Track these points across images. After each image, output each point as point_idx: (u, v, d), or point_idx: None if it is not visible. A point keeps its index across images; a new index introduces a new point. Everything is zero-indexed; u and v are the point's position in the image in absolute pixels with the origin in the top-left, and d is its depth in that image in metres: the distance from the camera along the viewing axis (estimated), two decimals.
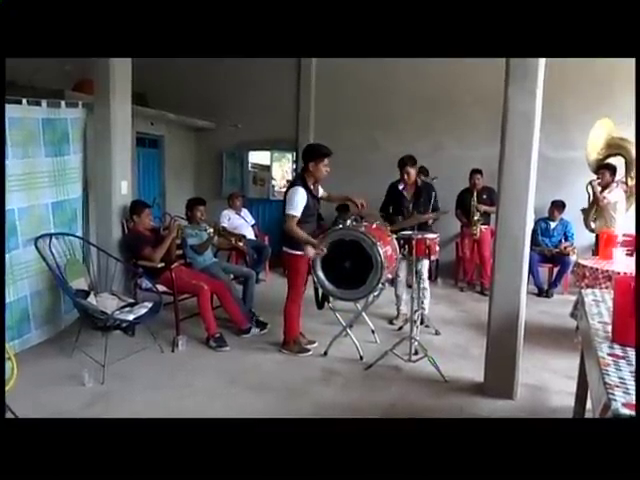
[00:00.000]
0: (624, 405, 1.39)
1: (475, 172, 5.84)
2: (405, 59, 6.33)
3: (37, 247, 3.64)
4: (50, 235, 3.80)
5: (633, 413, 1.35)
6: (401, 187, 4.55)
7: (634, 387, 1.51)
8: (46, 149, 3.87)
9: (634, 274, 3.51)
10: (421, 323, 4.30)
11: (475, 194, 5.77)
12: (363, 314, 4.17)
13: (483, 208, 5.77)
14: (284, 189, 7.08)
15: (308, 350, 3.88)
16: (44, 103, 3.87)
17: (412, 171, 4.46)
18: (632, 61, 5.93)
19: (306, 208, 3.62)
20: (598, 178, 5.24)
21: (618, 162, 5.39)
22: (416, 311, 3.80)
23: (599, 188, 5.18)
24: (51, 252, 3.72)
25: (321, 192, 3.90)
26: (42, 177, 3.85)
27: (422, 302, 4.45)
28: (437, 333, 4.38)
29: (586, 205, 5.49)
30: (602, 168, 5.28)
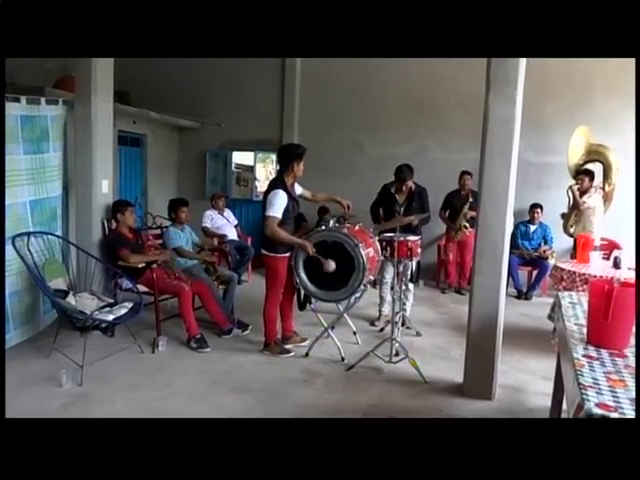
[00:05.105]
0: (597, 405, 1.42)
1: (465, 173, 5.91)
2: (389, 62, 6.39)
3: (14, 246, 3.57)
4: (28, 234, 3.74)
5: (606, 413, 1.38)
6: (394, 190, 4.59)
7: (607, 387, 1.55)
8: (25, 146, 3.80)
9: (609, 277, 3.59)
10: (402, 324, 4.33)
11: (468, 201, 5.71)
12: (345, 315, 4.18)
13: (470, 214, 5.70)
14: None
15: (289, 351, 3.88)
16: (23, 99, 3.80)
17: (410, 183, 4.51)
18: (610, 68, 6.10)
19: (285, 210, 3.64)
20: (577, 183, 5.36)
21: (596, 168, 5.49)
22: (397, 313, 3.83)
23: (578, 193, 5.30)
24: (29, 251, 3.66)
25: (300, 191, 3.91)
26: (20, 175, 3.78)
27: (404, 304, 4.49)
28: (418, 334, 4.41)
29: (565, 209, 5.63)
30: (581, 174, 5.39)
